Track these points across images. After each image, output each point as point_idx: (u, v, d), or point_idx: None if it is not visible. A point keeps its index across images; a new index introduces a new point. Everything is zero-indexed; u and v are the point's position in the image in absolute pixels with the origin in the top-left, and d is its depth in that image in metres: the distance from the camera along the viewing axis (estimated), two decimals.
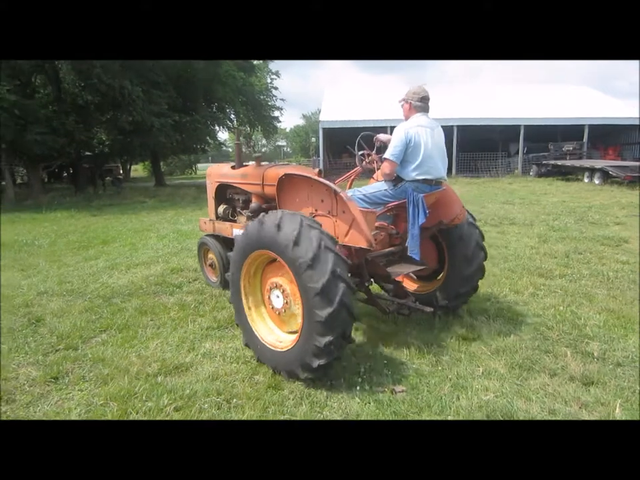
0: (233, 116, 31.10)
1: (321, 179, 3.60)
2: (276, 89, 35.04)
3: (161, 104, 18.36)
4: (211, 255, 5.38)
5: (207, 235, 5.39)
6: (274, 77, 36.03)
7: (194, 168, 53.79)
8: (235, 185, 4.69)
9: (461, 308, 4.42)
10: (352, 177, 4.62)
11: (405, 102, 3.86)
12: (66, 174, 27.74)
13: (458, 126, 25.81)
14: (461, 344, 3.82)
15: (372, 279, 4.01)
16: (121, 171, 30.95)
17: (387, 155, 3.72)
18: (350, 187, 4.39)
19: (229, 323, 4.28)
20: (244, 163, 4.69)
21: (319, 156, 34.63)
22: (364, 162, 4.42)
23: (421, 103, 3.78)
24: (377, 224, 3.93)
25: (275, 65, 36.93)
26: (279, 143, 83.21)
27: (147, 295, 5.19)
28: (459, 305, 4.38)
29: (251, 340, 3.55)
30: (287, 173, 3.78)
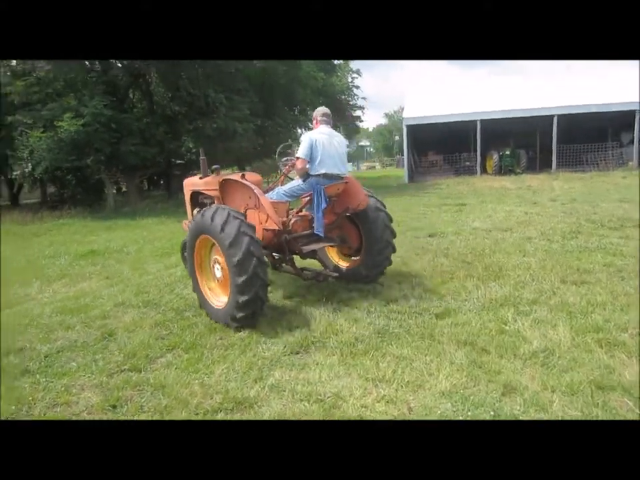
0: None
1: (244, 181, 4.77)
2: (357, 87, 34.46)
3: (243, 109, 18.58)
4: None
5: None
6: (355, 75, 35.54)
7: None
8: (202, 191, 5.56)
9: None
10: (281, 179, 5.60)
11: (314, 118, 5.18)
12: (163, 182, 29.31)
13: (559, 115, 23.21)
14: (594, 394, 2.93)
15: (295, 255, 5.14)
16: None
17: (298, 154, 4.85)
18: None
19: (302, 347, 3.85)
20: (207, 174, 5.49)
21: (402, 154, 33.47)
22: (286, 167, 5.37)
23: (324, 118, 5.07)
24: (301, 213, 5.29)
25: (355, 63, 36.28)
26: (362, 143, 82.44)
27: None
28: (377, 274, 5.38)
29: (204, 303, 4.66)
30: (224, 178, 5.03)
